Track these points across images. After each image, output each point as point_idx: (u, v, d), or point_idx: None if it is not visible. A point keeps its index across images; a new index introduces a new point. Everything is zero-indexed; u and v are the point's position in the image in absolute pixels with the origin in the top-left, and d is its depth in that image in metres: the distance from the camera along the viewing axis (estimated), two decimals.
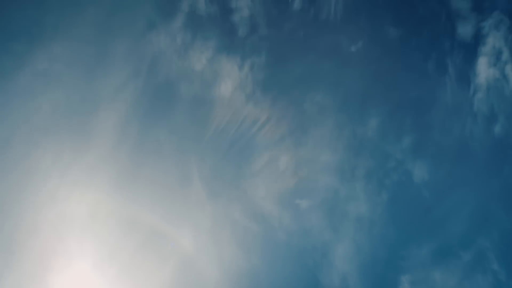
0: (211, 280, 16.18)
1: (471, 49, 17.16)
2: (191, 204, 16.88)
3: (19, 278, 15.72)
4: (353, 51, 16.99)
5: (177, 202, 16.97)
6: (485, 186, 16.85)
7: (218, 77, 17.14)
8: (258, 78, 17.14)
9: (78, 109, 16.83)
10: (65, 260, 16.37)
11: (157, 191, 16.97)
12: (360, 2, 17.08)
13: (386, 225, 16.94)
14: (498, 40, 16.99)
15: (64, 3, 16.67)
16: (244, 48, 17.08)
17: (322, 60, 17.16)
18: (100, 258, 16.56)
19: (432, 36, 17.28)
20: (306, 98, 17.19)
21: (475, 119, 16.92)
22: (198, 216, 16.83)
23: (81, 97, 16.86)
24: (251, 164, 17.16)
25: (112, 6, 16.70)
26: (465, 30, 17.03)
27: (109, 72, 16.92)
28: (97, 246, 16.63)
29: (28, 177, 16.59)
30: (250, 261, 16.55)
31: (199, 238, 16.80)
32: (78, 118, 16.82)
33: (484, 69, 17.05)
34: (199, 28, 16.98)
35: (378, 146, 17.01)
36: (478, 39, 17.11)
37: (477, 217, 16.75)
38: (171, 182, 17.08)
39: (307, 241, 16.87)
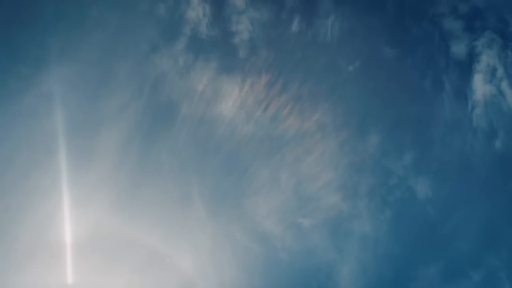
0: None
1: (466, 67, 13.94)
2: (191, 224, 13.23)
3: None
4: (350, 70, 13.76)
5: (177, 222, 13.34)
6: (491, 202, 13.16)
7: (219, 96, 13.87)
8: (258, 97, 13.80)
9: (80, 129, 13.54)
10: (63, 281, 12.53)
11: (157, 211, 13.39)
12: (355, 24, 14.04)
13: (392, 243, 13.13)
14: (492, 58, 13.79)
15: (70, 27, 13.70)
16: (244, 69, 13.89)
17: (321, 79, 13.93)
18: (99, 280, 12.68)
19: (427, 55, 14.11)
20: (306, 116, 13.78)
21: (475, 134, 13.44)
22: (199, 237, 13.12)
23: (84, 118, 13.59)
24: (252, 183, 13.60)
25: (117, 29, 13.77)
26: (458, 49, 13.88)
27: (112, 93, 13.74)
28: (96, 267, 12.81)
29: (28, 197, 13.00)
30: (252, 283, 12.67)
31: (199, 259, 12.99)
32: (80, 139, 13.45)
33: (480, 86, 13.74)
34: (200, 50, 13.91)
35: (379, 163, 13.47)
36: (472, 57, 13.93)
37: (485, 234, 12.96)
38: (171, 202, 13.51)
39: (310, 261, 13.03)
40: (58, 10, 13.84)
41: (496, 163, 13.63)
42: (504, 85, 14.03)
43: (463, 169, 13.63)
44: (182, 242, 13.33)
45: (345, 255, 13.23)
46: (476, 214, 13.32)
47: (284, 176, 13.93)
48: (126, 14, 14.07)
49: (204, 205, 13.57)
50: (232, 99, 14.16)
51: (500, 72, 14.07)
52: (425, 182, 13.54)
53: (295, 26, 14.25)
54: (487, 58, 14.15)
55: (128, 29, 14.07)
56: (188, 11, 14.25)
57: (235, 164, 13.99)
